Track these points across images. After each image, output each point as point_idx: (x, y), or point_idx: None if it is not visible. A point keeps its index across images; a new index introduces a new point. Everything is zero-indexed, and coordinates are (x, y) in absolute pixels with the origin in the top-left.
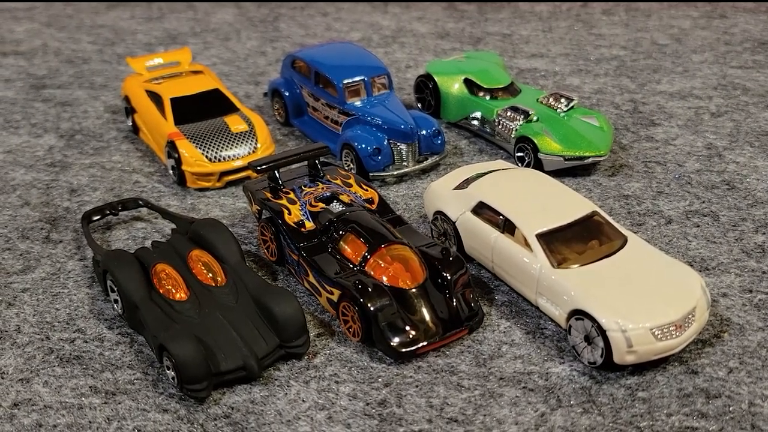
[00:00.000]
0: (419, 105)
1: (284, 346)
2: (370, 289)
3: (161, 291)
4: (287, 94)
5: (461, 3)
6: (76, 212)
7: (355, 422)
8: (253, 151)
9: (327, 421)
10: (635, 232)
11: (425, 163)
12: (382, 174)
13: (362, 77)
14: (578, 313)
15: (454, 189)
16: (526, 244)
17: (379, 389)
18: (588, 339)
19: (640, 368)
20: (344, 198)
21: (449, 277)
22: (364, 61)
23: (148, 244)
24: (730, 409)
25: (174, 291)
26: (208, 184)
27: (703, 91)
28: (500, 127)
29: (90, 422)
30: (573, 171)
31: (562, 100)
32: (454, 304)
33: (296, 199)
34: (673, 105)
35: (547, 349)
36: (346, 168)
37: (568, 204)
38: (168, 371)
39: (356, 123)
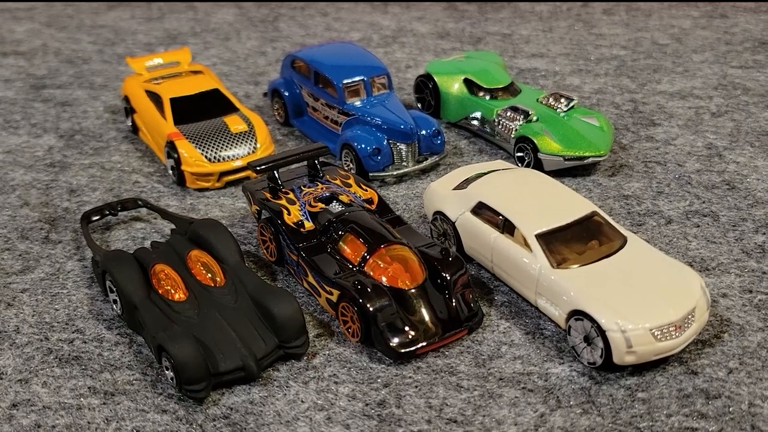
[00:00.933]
0: (419, 105)
1: (283, 347)
2: (369, 290)
3: (160, 291)
4: (287, 94)
5: (461, 3)
6: (75, 212)
7: (354, 423)
8: (253, 152)
9: (326, 422)
10: (635, 233)
11: (425, 164)
12: (381, 174)
13: (362, 77)
14: (578, 314)
15: (454, 189)
16: (526, 245)
17: (379, 390)
18: (587, 339)
19: (639, 369)
20: (344, 198)
21: (449, 278)
22: (364, 61)
23: (147, 244)
24: (730, 409)
25: (173, 291)
26: (207, 185)
27: (703, 90)
28: (500, 127)
29: (89, 423)
30: (573, 171)
31: (562, 100)
32: (454, 304)
33: (295, 200)
34: (673, 105)
35: (546, 349)
36: (346, 168)
37: (567, 204)
38: (167, 372)
39: (356, 123)
